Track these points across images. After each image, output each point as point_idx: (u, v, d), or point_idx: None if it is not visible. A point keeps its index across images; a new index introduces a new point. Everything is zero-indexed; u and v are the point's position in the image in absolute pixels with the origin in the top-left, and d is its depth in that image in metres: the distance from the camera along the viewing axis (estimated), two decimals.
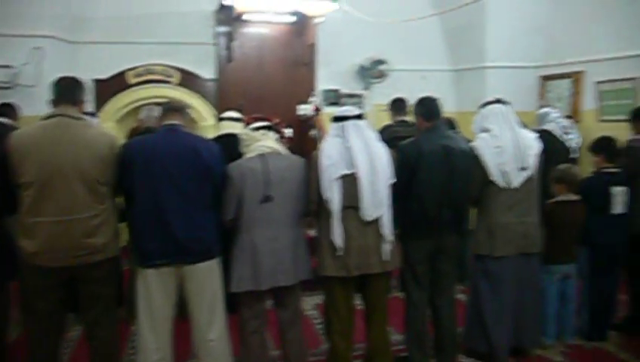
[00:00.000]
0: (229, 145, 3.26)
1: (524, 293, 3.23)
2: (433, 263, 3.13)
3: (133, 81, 5.74)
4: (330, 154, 2.79)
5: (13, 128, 3.69)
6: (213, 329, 2.81)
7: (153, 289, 2.70)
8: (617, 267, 3.62)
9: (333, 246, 2.79)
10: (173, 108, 2.86)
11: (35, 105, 4.80)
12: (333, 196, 2.75)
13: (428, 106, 3.13)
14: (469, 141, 3.25)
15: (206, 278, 2.77)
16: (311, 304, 4.16)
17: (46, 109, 2.70)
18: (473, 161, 3.09)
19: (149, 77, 5.80)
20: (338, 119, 2.90)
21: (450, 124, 4.15)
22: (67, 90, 2.65)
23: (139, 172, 2.61)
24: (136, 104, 5.60)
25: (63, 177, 2.46)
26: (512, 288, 3.19)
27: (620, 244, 3.56)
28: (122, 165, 2.63)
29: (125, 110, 5.67)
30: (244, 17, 5.75)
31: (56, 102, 2.63)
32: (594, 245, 3.55)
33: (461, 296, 3.55)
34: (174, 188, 2.63)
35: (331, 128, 2.93)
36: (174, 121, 2.78)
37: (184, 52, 5.95)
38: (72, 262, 2.53)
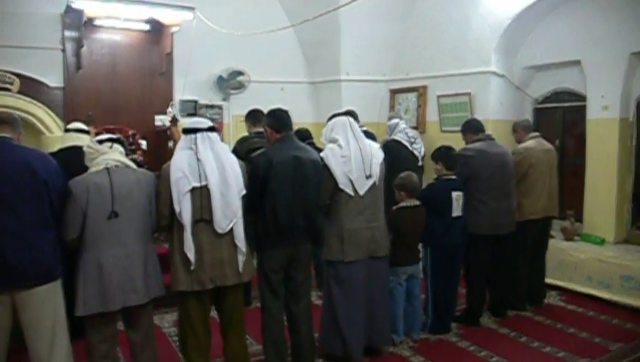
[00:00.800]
0: (74, 159, 3.07)
1: (374, 295, 3.41)
2: (288, 271, 3.19)
3: None
4: (181, 167, 2.74)
5: None
6: (54, 358, 2.62)
7: None
8: (458, 265, 3.98)
9: (186, 260, 2.73)
10: (2, 120, 2.63)
11: None
12: (184, 209, 2.71)
13: (278, 118, 3.20)
14: (320, 150, 3.38)
15: (45, 303, 2.58)
16: (168, 321, 4.04)
17: None
18: (322, 170, 3.21)
19: None
20: (189, 131, 2.86)
21: (305, 135, 4.28)
22: None
23: None
24: None
25: None
26: (363, 291, 3.35)
27: (460, 244, 3.91)
28: None
29: None
30: (96, 23, 5.45)
31: None
32: (437, 246, 3.86)
33: (318, 302, 3.66)
34: (6, 207, 2.42)
35: (182, 140, 2.88)
36: (5, 133, 2.57)
37: (27, 57, 5.44)
38: None
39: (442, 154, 3.96)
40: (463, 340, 3.87)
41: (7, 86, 5.32)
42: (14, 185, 2.44)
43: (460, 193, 3.86)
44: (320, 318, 3.46)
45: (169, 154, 5.43)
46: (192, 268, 2.74)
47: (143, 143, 4.88)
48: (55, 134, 5.28)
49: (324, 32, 6.36)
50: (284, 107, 3.29)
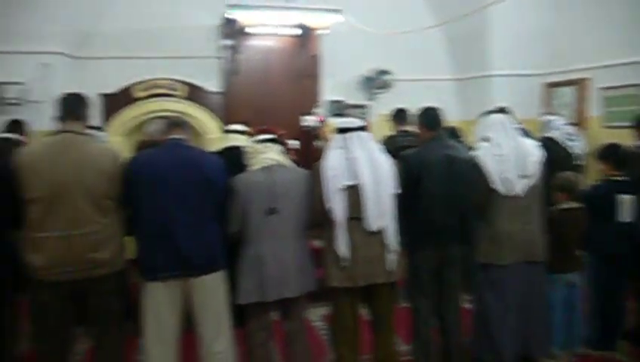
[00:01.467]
0: (234, 158, 3.29)
1: (530, 302, 3.22)
2: (439, 273, 3.13)
3: (140, 95, 5.80)
4: (334, 166, 2.81)
5: (19, 144, 3.75)
6: (219, 341, 2.83)
7: (159, 302, 2.73)
8: (624, 276, 3.58)
9: (338, 257, 2.80)
10: (175, 123, 2.91)
11: (43, 120, 4.86)
12: (337, 207, 2.77)
13: (430, 116, 3.15)
14: (472, 149, 3.26)
15: (212, 291, 2.80)
16: (317, 315, 4.16)
17: (53, 125, 2.75)
18: (475, 169, 3.09)
19: (155, 91, 5.85)
20: (341, 130, 2.92)
21: (454, 133, 4.15)
22: (72, 107, 2.70)
23: (144, 186, 2.65)
24: (143, 118, 5.65)
25: (68, 193, 2.51)
26: (517, 296, 3.17)
27: (627, 253, 3.51)
28: (127, 179, 2.67)
29: (132, 124, 5.72)
30: (249, 30, 5.80)
31: (61, 118, 2.68)
32: (599, 254, 3.53)
33: (468, 305, 3.54)
34: (179, 201, 2.66)
35: (334, 140, 2.95)
36: (177, 135, 2.82)
37: (189, 66, 6.00)
38: (78, 276, 2.57)
39: (609, 153, 3.60)
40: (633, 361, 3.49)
41: (175, 93, 5.89)
42: (186, 182, 2.68)
43: (629, 197, 3.47)
44: (471, 322, 3.34)
45: (316, 153, 5.67)
46: (345, 264, 2.79)
47: (294, 143, 5.08)
48: (214, 135, 5.72)
49: (471, 27, 6.13)
50: (430, 105, 3.23)
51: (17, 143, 3.78)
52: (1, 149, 3.30)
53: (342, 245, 2.78)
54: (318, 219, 2.90)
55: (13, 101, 5.21)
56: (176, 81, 5.94)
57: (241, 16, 5.39)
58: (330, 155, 2.87)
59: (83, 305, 2.70)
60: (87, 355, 3.51)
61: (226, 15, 5.37)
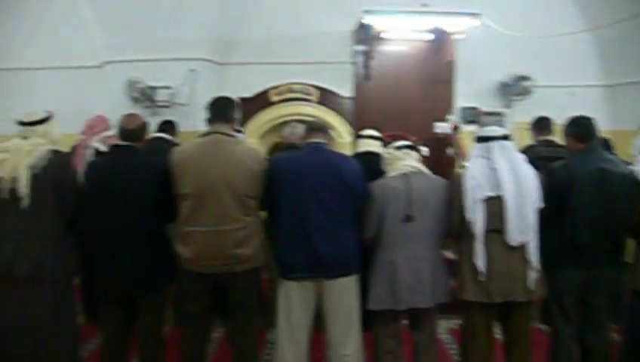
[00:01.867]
0: (369, 163, 3.29)
1: None
2: (584, 296, 2.89)
3: (275, 99, 6.04)
4: (475, 175, 2.70)
5: (173, 144, 4.06)
6: (348, 344, 2.84)
7: (294, 300, 2.80)
8: None
9: (474, 270, 2.69)
10: (316, 127, 2.98)
11: (189, 122, 5.26)
12: (477, 218, 2.66)
13: (582, 126, 2.92)
14: (628, 164, 2.97)
15: (344, 293, 2.82)
16: (445, 327, 4.04)
17: (198, 125, 2.93)
18: (634, 186, 2.81)
19: (290, 95, 6.06)
20: (483, 139, 2.81)
21: (607, 144, 3.82)
22: (221, 109, 2.87)
23: (285, 187, 2.74)
24: (278, 121, 5.88)
25: (216, 191, 2.66)
26: None
27: None
28: (270, 180, 2.77)
29: (267, 126, 5.97)
30: (383, 35, 5.80)
31: (211, 120, 2.85)
32: None
33: (615, 336, 3.23)
34: (318, 204, 2.71)
35: (476, 148, 2.84)
36: (318, 139, 2.88)
37: (323, 71, 6.13)
38: (220, 269, 2.72)
39: None
40: None
41: (309, 97, 6.05)
42: (327, 185, 2.72)
43: None
44: (618, 355, 3.03)
45: (448, 161, 5.53)
46: (482, 278, 2.68)
47: (424, 150, 4.98)
48: (345, 140, 5.79)
49: (626, 28, 5.60)
50: (576, 113, 3.00)
51: (173, 143, 4.09)
52: (156, 148, 3.59)
53: (479, 258, 2.67)
54: (455, 230, 2.81)
55: (163, 104, 5.68)
56: (310, 85, 6.10)
57: (376, 22, 5.40)
58: (472, 164, 2.77)
59: (221, 297, 2.86)
60: (220, 343, 3.72)
61: (362, 20, 5.41)
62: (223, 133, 2.78)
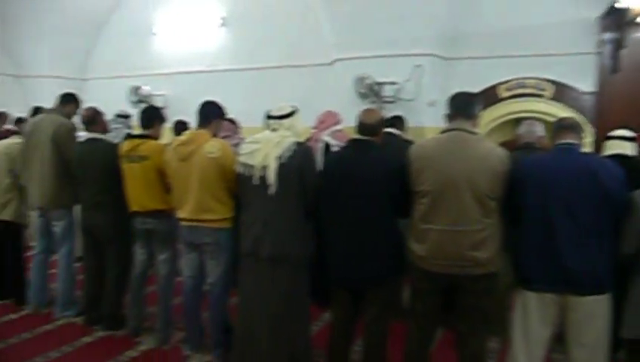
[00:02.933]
0: (627, 168, 2.87)
1: None
2: None
3: (504, 94, 5.72)
4: None
5: (402, 139, 4.07)
6: None
7: (531, 312, 2.59)
8: None
9: None
10: (567, 126, 2.68)
11: (414, 117, 5.25)
12: None
13: None
14: None
15: (592, 314, 2.50)
16: None
17: (423, 121, 2.85)
18: None
19: (520, 90, 5.70)
20: None
21: None
22: (463, 105, 2.75)
23: (530, 191, 2.53)
24: (506, 118, 5.56)
25: (455, 189, 2.56)
26: None
27: None
28: (513, 182, 2.58)
29: (495, 123, 5.68)
30: (638, 20, 5.04)
31: (452, 116, 2.75)
32: None
33: None
34: (567, 212, 2.44)
35: None
36: (569, 140, 2.60)
37: (559, 63, 5.60)
38: (454, 271, 2.62)
39: None
40: None
41: (541, 92, 5.59)
42: (579, 192, 2.44)
43: None
44: None
45: None
46: None
47: None
48: (585, 140, 5.21)
49: None
50: None
51: (402, 138, 4.09)
52: (386, 142, 3.61)
53: None
54: None
55: (389, 99, 5.77)
56: (544, 80, 5.62)
57: (633, 3, 4.71)
58: None
59: (450, 299, 2.77)
60: (439, 344, 3.62)
61: (616, 4, 4.78)
62: (465, 130, 2.66)
